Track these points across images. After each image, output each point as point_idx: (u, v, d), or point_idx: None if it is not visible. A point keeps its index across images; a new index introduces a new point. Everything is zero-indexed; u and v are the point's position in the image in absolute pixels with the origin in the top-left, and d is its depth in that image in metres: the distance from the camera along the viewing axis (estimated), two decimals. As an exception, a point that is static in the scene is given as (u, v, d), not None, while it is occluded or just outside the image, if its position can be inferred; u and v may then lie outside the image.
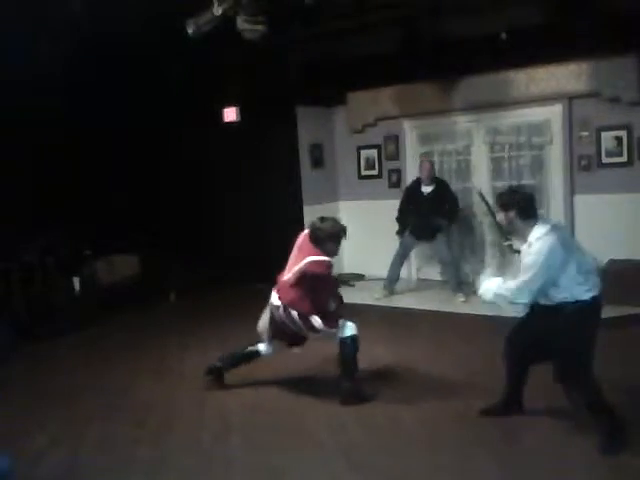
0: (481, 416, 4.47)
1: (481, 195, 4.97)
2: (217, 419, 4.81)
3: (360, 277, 9.20)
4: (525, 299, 3.95)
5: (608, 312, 6.53)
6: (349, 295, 8.26)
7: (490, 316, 6.95)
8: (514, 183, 8.11)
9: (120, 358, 6.49)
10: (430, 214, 7.67)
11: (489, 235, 8.36)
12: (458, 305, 7.49)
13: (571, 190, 7.74)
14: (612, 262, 7.20)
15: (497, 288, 4.03)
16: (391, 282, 8.11)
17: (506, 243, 4.29)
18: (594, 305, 3.97)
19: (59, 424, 4.87)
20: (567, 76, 7.47)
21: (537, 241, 3.87)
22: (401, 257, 8.06)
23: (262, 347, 5.30)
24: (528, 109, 7.88)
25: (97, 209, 7.87)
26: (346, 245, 9.26)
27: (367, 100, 8.96)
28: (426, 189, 7.82)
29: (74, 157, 7.79)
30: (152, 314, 8.22)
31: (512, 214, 3.96)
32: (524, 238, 3.98)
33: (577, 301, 3.89)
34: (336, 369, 5.07)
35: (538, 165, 8.01)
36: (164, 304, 8.78)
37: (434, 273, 8.76)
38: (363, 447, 4.21)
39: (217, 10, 5.33)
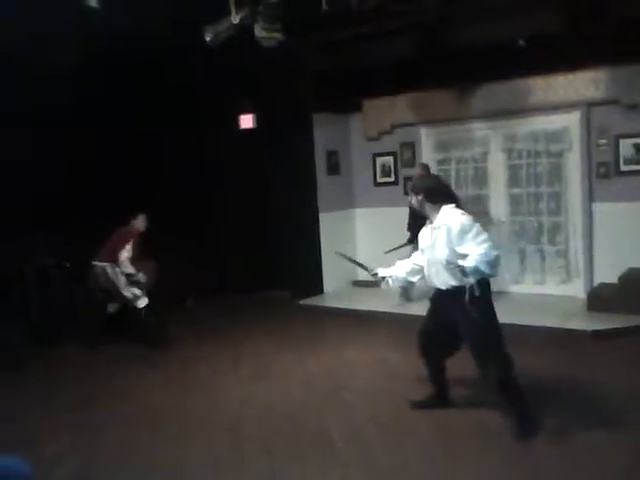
0: (414, 408, 4.82)
1: (344, 256, 5.31)
2: (232, 425, 4.80)
3: (376, 284, 9.15)
4: (495, 253, 4.18)
5: (629, 321, 6.54)
6: (366, 302, 8.27)
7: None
8: (532, 190, 8.08)
9: (136, 363, 6.52)
10: None
11: (508, 241, 8.33)
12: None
13: (589, 198, 7.67)
14: (631, 270, 7.13)
15: (474, 261, 4.12)
16: (406, 289, 8.05)
17: (372, 274, 4.92)
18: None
19: (75, 430, 4.89)
20: (585, 83, 7.42)
21: (453, 215, 4.31)
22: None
23: None
24: (546, 116, 7.83)
25: (117, 215, 7.89)
26: (362, 252, 9.35)
27: (383, 107, 8.96)
28: None
29: (93, 162, 7.84)
30: (168, 320, 8.24)
31: (421, 197, 4.47)
32: (430, 219, 4.48)
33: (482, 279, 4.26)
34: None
35: (556, 172, 7.96)
36: (181, 309, 8.82)
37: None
38: (380, 455, 4.18)
39: (235, 18, 5.36)
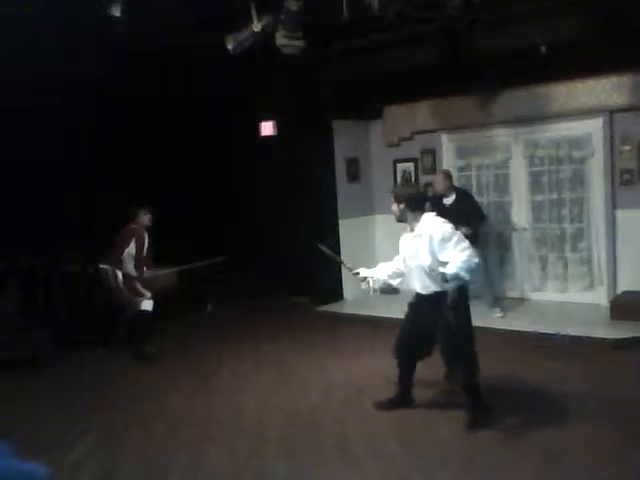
0: (375, 408, 4.98)
1: (325, 251, 5.36)
2: (254, 430, 4.82)
3: (395, 291, 9.12)
4: (476, 260, 4.39)
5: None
6: (385, 309, 8.24)
7: (529, 332, 6.88)
8: (554, 197, 8.01)
9: (157, 368, 6.57)
10: (454, 224, 7.56)
11: (530, 248, 8.27)
12: (494, 320, 7.36)
13: (612, 205, 7.58)
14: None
15: (455, 268, 4.28)
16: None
17: (353, 273, 5.06)
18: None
19: (97, 434, 4.94)
20: (608, 89, 7.34)
21: (435, 224, 4.50)
22: None
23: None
24: (568, 123, 7.76)
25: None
26: (381, 258, 9.33)
27: (404, 113, 8.95)
28: (447, 200, 7.66)
29: (117, 170, 7.93)
30: (189, 325, 8.31)
31: (402, 206, 4.62)
32: (411, 227, 4.65)
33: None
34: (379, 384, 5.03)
35: (579, 179, 7.88)
36: (201, 315, 8.87)
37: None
38: (399, 463, 4.17)
39: (257, 26, 5.41)
